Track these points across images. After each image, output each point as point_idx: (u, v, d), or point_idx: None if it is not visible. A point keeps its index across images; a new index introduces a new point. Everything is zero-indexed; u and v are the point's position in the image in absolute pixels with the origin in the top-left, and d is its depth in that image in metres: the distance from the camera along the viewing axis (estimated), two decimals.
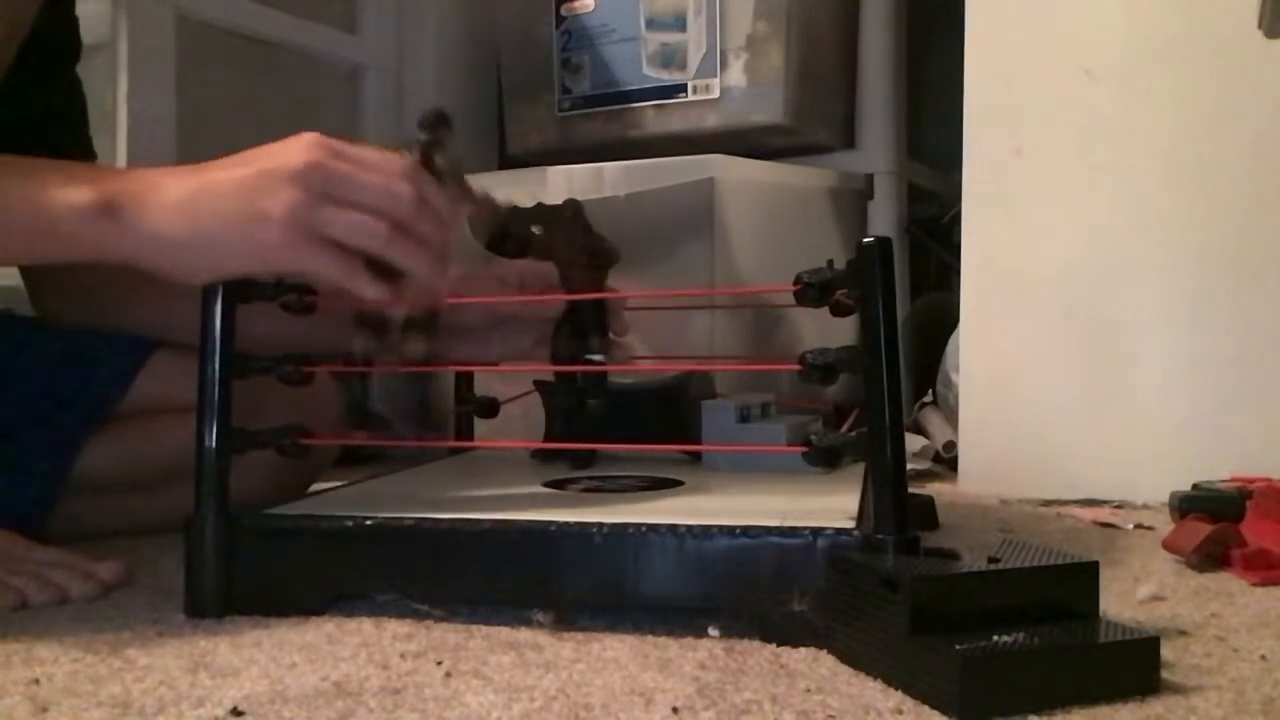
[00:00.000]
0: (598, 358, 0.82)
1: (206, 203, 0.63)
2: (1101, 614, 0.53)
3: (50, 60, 0.93)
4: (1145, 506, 1.06)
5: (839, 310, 0.60)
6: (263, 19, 1.53)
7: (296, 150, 0.63)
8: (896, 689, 0.50)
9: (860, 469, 0.72)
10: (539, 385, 0.89)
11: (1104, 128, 1.13)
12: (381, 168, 0.64)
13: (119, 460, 0.91)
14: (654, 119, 1.61)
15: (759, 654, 0.56)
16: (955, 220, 1.42)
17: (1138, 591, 0.69)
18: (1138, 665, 0.50)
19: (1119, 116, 1.13)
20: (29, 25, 0.83)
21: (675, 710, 0.47)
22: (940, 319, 1.46)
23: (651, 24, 1.60)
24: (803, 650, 0.56)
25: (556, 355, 0.84)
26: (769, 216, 1.28)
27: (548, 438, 0.90)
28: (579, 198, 1.15)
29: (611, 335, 0.85)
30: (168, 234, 0.63)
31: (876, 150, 1.68)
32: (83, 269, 0.70)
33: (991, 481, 1.17)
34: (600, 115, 1.66)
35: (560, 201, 0.85)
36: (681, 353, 1.14)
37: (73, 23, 0.96)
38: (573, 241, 0.83)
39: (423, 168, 0.66)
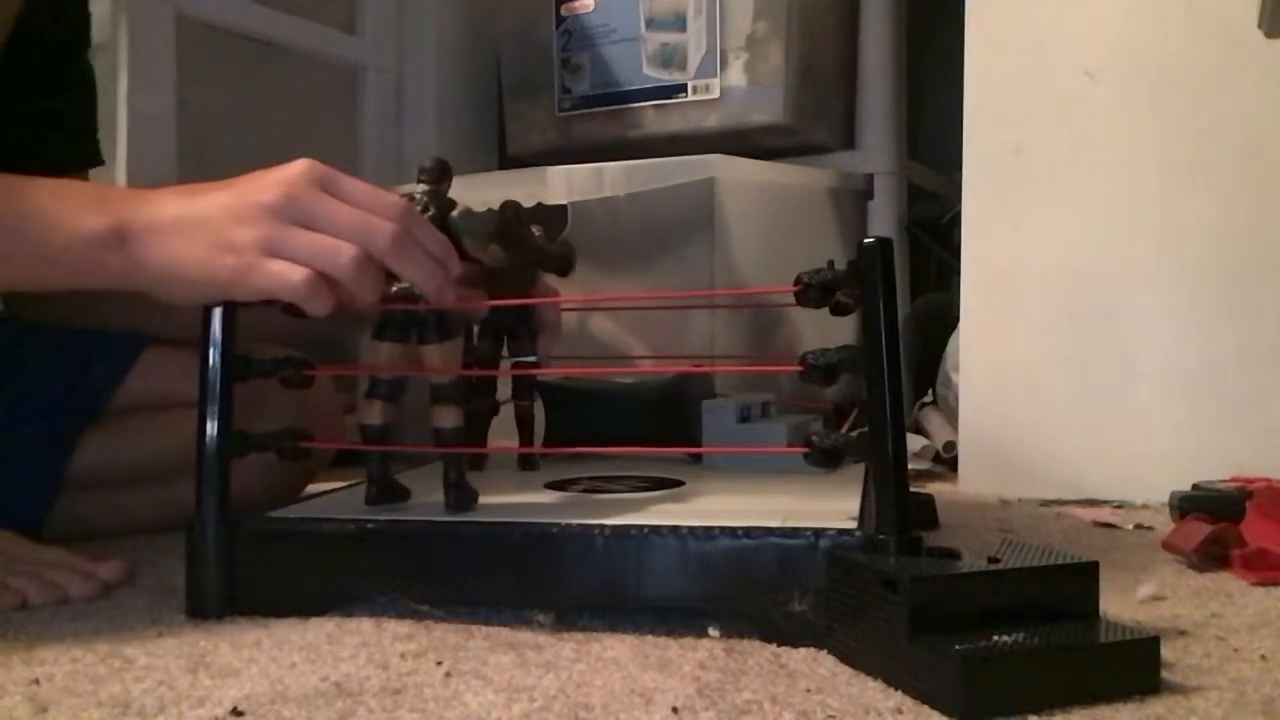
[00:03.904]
0: (530, 359, 0.82)
1: (185, 229, 0.62)
2: (1101, 614, 0.53)
3: (50, 59, 0.92)
4: (1145, 506, 1.06)
5: (839, 310, 0.60)
6: (263, 19, 1.53)
7: (278, 180, 0.62)
8: (896, 689, 0.50)
9: (861, 469, 0.72)
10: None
11: (1104, 128, 1.13)
12: (369, 202, 0.62)
13: (116, 457, 0.91)
14: (654, 119, 1.61)
15: (759, 654, 0.55)
16: (955, 220, 1.42)
17: (1138, 591, 0.69)
18: (1138, 665, 0.50)
19: (1119, 116, 1.13)
20: (11, 22, 0.82)
21: (675, 710, 0.47)
22: (940, 319, 1.46)
23: (651, 24, 1.60)
24: (803, 650, 0.56)
25: (477, 356, 0.82)
26: (769, 216, 1.28)
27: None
28: (579, 198, 1.16)
29: (540, 339, 0.83)
30: (154, 262, 0.62)
31: (876, 150, 1.68)
32: None
33: (991, 481, 1.17)
34: (600, 115, 1.66)
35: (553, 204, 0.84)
36: (681, 353, 1.14)
37: (80, 19, 0.94)
38: (519, 245, 0.81)
39: (420, 214, 0.65)
